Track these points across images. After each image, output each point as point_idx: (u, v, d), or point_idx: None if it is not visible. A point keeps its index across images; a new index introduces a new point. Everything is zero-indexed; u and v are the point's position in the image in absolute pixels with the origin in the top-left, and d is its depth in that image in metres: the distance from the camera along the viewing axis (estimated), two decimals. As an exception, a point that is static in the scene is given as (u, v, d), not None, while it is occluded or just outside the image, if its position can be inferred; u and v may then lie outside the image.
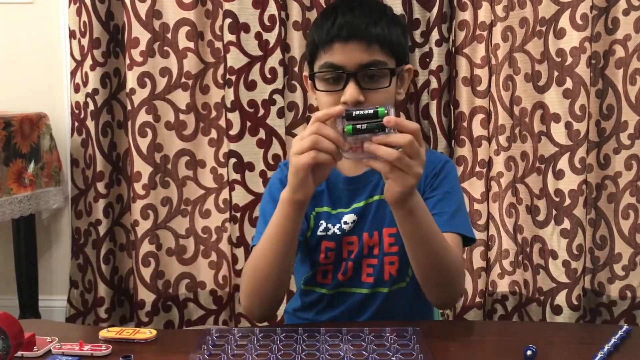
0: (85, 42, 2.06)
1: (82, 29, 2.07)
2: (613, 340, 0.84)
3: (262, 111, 2.03)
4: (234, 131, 2.02)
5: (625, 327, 0.88)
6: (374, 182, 1.09)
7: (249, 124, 2.03)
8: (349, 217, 1.08)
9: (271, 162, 2.05)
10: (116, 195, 2.16)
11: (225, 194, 2.10)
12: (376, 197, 1.08)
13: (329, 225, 1.08)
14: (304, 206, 0.94)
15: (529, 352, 0.79)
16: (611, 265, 2.02)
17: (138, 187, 2.04)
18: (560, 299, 1.96)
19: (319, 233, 1.09)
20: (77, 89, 2.11)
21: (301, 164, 0.87)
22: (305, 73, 1.10)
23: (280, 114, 2.04)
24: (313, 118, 0.88)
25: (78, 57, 2.10)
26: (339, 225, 1.08)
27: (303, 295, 1.14)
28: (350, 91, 0.98)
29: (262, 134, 2.04)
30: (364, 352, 0.82)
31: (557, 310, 1.97)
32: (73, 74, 2.12)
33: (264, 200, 1.12)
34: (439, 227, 0.96)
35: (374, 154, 0.83)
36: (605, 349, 0.81)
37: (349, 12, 1.01)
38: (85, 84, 2.08)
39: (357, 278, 1.08)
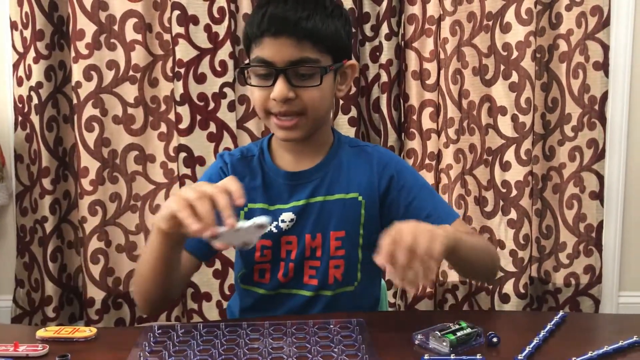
0: (27, 33, 2.00)
1: (24, 20, 2.00)
2: (549, 327, 0.87)
3: (212, 104, 2.01)
4: (183, 125, 1.99)
5: (561, 313, 0.91)
6: (317, 181, 1.05)
7: (199, 117, 2.01)
8: (287, 216, 1.04)
9: (222, 156, 2.03)
10: (63, 191, 2.10)
11: (175, 189, 2.07)
12: (319, 198, 1.04)
13: None
14: (173, 239, 0.89)
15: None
16: (556, 254, 2.08)
17: (85, 183, 2.00)
18: (508, 287, 2.01)
19: None
20: (20, 82, 2.05)
21: (177, 215, 0.81)
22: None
23: (231, 107, 2.02)
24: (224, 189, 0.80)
25: (20, 49, 2.03)
26: (276, 223, 1.04)
27: (243, 296, 1.11)
28: (279, 88, 0.96)
29: (212, 127, 2.02)
30: (307, 345, 0.83)
31: (505, 298, 2.02)
32: (15, 66, 2.05)
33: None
34: (442, 223, 0.99)
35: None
36: (540, 335, 0.83)
37: (281, 4, 0.97)
38: (28, 77, 2.02)
39: (299, 280, 1.06)
